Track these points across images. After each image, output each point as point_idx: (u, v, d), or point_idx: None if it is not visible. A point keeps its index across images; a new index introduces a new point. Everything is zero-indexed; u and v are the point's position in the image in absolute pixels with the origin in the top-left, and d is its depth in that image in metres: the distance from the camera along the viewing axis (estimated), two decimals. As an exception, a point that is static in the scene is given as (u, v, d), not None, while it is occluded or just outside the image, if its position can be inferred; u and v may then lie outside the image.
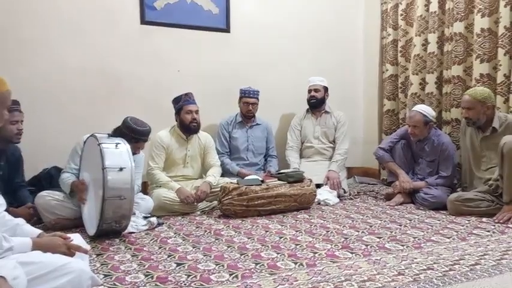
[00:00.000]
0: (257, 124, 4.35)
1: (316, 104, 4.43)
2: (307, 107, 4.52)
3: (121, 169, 2.64)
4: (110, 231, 2.72)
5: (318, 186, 3.91)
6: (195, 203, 3.50)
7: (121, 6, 4.01)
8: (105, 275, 2.09)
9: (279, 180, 3.64)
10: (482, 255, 2.33)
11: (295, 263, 2.24)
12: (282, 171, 3.83)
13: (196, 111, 3.70)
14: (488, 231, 2.83)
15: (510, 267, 2.13)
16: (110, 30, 3.98)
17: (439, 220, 3.16)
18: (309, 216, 3.37)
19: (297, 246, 2.54)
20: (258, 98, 4.23)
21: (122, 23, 4.03)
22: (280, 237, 2.74)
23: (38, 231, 1.83)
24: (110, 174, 2.60)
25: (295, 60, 4.81)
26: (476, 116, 3.31)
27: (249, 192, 3.37)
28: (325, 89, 4.45)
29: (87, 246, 1.90)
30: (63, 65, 3.83)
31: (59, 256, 1.62)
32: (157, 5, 4.13)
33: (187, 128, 3.69)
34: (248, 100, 4.19)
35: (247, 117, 4.26)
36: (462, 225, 2.99)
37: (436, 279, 1.99)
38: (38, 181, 3.49)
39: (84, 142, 2.98)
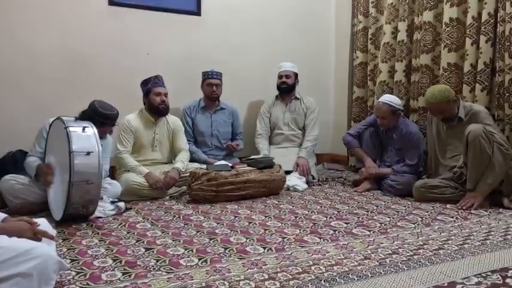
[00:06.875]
0: (221, 108, 4.27)
1: (287, 90, 4.40)
2: (276, 93, 4.50)
3: (88, 153, 2.59)
4: (77, 216, 2.68)
5: (288, 172, 3.93)
6: (164, 189, 3.47)
7: (89, -14, 3.90)
8: (72, 260, 2.06)
9: (248, 166, 3.64)
10: (445, 240, 2.39)
11: (264, 248, 2.26)
12: (251, 157, 3.83)
13: (165, 94, 3.66)
14: (452, 217, 2.91)
15: (472, 252, 2.20)
16: (77, 11, 3.86)
17: (404, 206, 3.23)
18: (278, 201, 3.39)
19: (266, 231, 2.56)
20: (221, 80, 4.15)
21: (89, 4, 3.91)
22: (250, 223, 2.76)
23: (3, 215, 1.78)
24: (77, 158, 2.55)
25: (265, 46, 4.78)
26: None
27: (219, 177, 3.36)
28: (296, 75, 4.43)
29: (53, 231, 1.87)
30: (28, 48, 3.70)
31: (25, 241, 1.59)
32: (126, -15, 4.02)
33: (156, 110, 3.64)
34: (211, 81, 4.11)
35: (211, 99, 4.17)
36: (427, 211, 3.06)
37: (401, 263, 2.04)
38: (2, 165, 3.38)
39: (50, 125, 2.90)
